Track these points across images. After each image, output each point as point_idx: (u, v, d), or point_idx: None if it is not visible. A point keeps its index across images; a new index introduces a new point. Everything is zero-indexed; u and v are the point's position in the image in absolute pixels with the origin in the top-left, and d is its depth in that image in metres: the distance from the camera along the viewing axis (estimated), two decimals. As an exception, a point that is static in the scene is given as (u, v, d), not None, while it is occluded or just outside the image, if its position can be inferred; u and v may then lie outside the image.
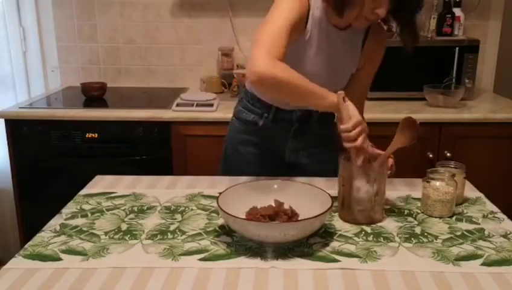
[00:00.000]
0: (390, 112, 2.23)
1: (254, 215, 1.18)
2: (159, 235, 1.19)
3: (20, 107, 2.33)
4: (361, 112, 1.51)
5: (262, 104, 1.56)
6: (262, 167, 1.59)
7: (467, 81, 2.39)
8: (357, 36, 1.48)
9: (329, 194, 1.20)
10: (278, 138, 1.59)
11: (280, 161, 1.61)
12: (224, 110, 2.23)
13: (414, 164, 2.16)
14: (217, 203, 1.14)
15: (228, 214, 1.10)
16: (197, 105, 2.31)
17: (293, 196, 1.26)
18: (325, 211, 1.12)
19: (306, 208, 1.20)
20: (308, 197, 1.24)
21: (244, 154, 1.62)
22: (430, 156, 2.21)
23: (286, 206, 1.22)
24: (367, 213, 1.25)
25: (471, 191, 1.45)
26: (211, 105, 2.31)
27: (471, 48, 2.37)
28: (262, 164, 1.60)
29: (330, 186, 1.40)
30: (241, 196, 1.25)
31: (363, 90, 1.60)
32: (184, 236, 1.19)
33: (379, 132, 2.19)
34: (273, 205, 1.23)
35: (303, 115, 1.56)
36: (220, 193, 1.21)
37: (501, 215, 1.31)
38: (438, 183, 1.29)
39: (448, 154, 2.18)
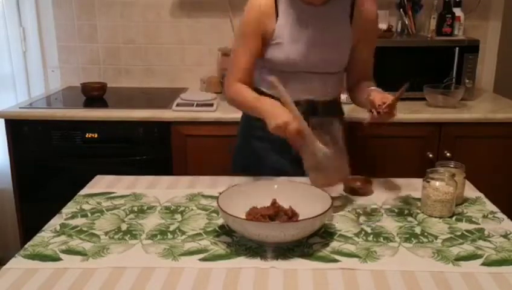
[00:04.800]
0: (390, 112, 2.23)
1: (254, 215, 1.18)
2: (159, 235, 1.20)
3: (20, 107, 2.33)
4: (366, 85, 1.54)
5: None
6: (272, 161, 1.61)
7: (467, 81, 2.38)
8: (340, 9, 1.51)
9: (329, 194, 1.20)
10: None
11: (288, 155, 1.61)
12: (224, 110, 2.23)
13: (414, 164, 2.17)
14: (217, 203, 1.14)
15: (228, 214, 1.10)
16: (197, 105, 2.30)
17: (293, 196, 1.26)
18: (325, 211, 1.12)
19: (306, 208, 1.20)
20: (308, 197, 1.24)
21: (254, 149, 1.64)
22: (430, 156, 2.20)
23: (286, 206, 1.22)
24: (327, 175, 1.29)
25: (471, 191, 1.45)
26: (211, 105, 2.31)
27: (471, 48, 2.37)
28: (271, 158, 1.62)
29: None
30: (241, 196, 1.25)
31: (364, 67, 1.61)
32: (184, 236, 1.19)
33: (379, 132, 2.20)
34: (270, 204, 1.23)
35: (308, 108, 1.56)
36: (220, 193, 1.21)
37: (501, 215, 1.31)
38: (438, 183, 1.29)
39: (448, 154, 2.18)
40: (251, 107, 1.47)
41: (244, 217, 1.18)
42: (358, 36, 1.54)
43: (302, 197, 1.25)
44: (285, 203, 1.23)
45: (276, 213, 1.20)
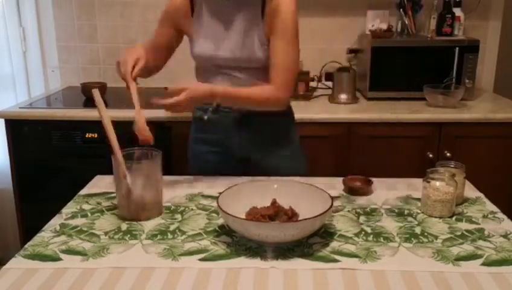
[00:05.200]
0: (390, 112, 2.24)
1: (254, 215, 1.18)
2: (159, 235, 1.20)
3: (20, 107, 2.33)
4: (272, 80, 1.50)
5: None
6: (219, 164, 1.64)
7: (467, 81, 2.39)
8: (252, 3, 1.50)
9: (329, 194, 1.20)
10: (224, 130, 1.62)
11: (233, 156, 1.64)
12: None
13: (414, 164, 2.17)
14: (217, 203, 1.14)
15: (228, 214, 1.10)
16: (197, 105, 2.30)
17: (293, 196, 1.26)
18: (325, 211, 1.12)
19: (306, 208, 1.20)
20: (308, 197, 1.24)
21: (200, 154, 1.68)
22: (430, 156, 2.21)
23: (286, 207, 1.22)
24: (127, 210, 1.28)
25: (471, 191, 1.45)
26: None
27: (471, 48, 2.37)
28: (218, 161, 1.65)
29: (330, 187, 1.41)
30: (241, 196, 1.25)
31: (272, 64, 1.50)
32: (184, 236, 1.19)
33: (379, 132, 2.21)
34: (270, 204, 1.23)
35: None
36: (220, 193, 1.21)
37: (501, 215, 1.31)
38: (438, 183, 1.29)
39: (448, 154, 2.18)
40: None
41: (244, 217, 1.18)
42: (269, 29, 1.49)
43: (302, 197, 1.25)
44: (285, 203, 1.24)
45: (276, 213, 1.20)
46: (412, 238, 1.18)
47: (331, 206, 1.14)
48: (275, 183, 1.32)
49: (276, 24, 1.48)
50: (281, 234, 1.09)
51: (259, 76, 1.54)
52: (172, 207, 1.36)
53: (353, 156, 2.22)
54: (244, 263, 1.07)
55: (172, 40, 1.64)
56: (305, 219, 1.10)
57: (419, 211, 1.33)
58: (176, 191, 1.47)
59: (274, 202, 1.24)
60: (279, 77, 1.50)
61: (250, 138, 1.61)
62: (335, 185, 1.47)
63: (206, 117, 1.58)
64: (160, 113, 2.24)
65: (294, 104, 1.72)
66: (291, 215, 1.20)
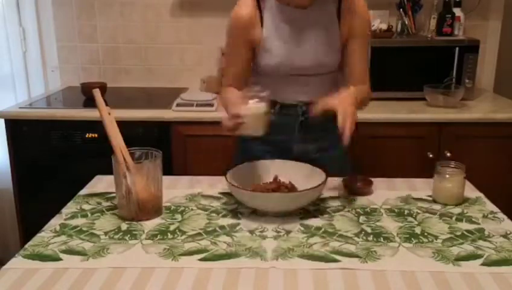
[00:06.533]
0: (390, 112, 2.24)
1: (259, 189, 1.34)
2: (159, 235, 1.20)
3: (20, 107, 2.33)
4: (360, 81, 1.55)
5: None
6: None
7: (467, 81, 2.38)
8: (327, 9, 1.48)
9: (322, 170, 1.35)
10: (284, 131, 1.61)
11: (288, 154, 1.61)
12: (224, 110, 2.22)
13: (414, 164, 2.17)
14: (228, 182, 1.28)
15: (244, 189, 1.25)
16: (197, 105, 2.31)
17: (291, 174, 1.41)
18: (320, 184, 1.26)
19: (304, 185, 1.34)
20: (305, 175, 1.39)
21: (253, 151, 1.64)
22: (430, 156, 2.21)
23: (286, 182, 1.38)
24: (127, 209, 1.28)
25: (471, 191, 1.45)
26: (211, 105, 2.31)
27: (471, 48, 2.37)
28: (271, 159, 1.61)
29: (330, 186, 1.40)
30: (246, 174, 1.40)
31: (356, 69, 1.56)
32: (184, 236, 1.19)
33: (379, 132, 2.21)
34: (273, 180, 1.39)
35: (308, 108, 1.57)
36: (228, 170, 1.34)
37: (501, 215, 1.31)
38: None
39: (448, 154, 2.18)
40: (225, 101, 1.57)
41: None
42: (347, 34, 1.51)
43: (300, 176, 1.39)
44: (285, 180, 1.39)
45: (278, 187, 1.34)
46: (412, 238, 1.18)
47: (325, 180, 1.30)
48: (276, 164, 1.45)
49: (354, 25, 1.50)
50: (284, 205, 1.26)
51: (327, 81, 1.58)
52: (172, 207, 1.36)
53: (353, 156, 2.22)
54: (244, 263, 1.07)
55: (250, 58, 1.56)
56: (303, 190, 1.27)
57: (419, 211, 1.33)
58: (176, 191, 1.47)
59: (276, 178, 1.38)
60: (367, 76, 1.59)
61: (310, 138, 1.61)
62: (335, 185, 1.47)
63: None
64: (159, 113, 2.25)
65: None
66: (290, 189, 1.34)
